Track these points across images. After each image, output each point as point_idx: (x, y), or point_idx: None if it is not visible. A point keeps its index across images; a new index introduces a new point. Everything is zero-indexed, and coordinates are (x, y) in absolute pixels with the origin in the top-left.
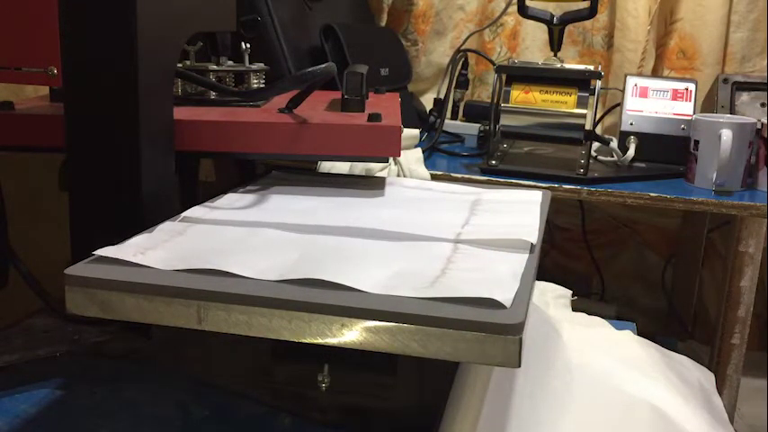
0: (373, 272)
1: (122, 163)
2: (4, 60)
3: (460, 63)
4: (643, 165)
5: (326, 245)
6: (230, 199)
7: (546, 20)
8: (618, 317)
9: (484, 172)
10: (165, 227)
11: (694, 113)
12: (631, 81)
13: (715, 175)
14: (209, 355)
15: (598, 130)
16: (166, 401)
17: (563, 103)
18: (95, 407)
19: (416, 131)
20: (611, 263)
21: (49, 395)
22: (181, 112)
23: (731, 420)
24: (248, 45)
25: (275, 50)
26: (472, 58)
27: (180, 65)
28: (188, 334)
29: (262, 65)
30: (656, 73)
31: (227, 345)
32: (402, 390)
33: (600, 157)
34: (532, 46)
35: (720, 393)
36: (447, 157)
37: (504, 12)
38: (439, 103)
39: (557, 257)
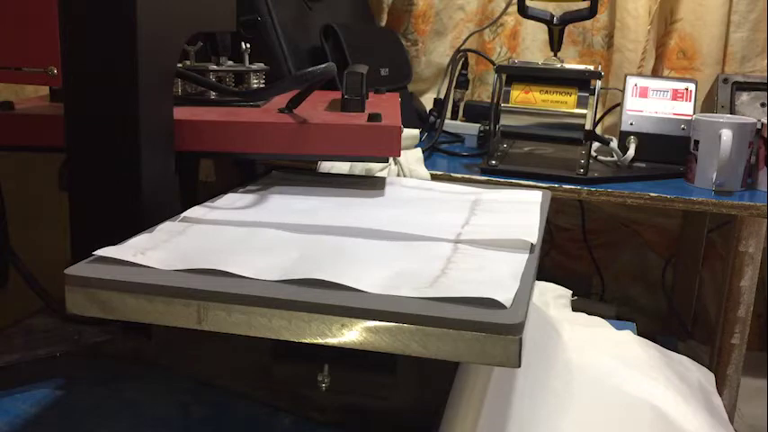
0: (373, 272)
1: (122, 163)
2: (4, 60)
3: (460, 63)
4: (643, 165)
5: (326, 245)
6: (230, 199)
7: (546, 20)
8: (618, 317)
9: (484, 172)
10: (165, 227)
11: (694, 113)
12: (631, 81)
13: (715, 175)
14: (210, 355)
15: (598, 130)
16: (166, 401)
17: (563, 103)
18: (95, 407)
19: (416, 131)
20: (611, 263)
21: (49, 395)
22: (181, 112)
23: (731, 420)
24: (248, 45)
25: (275, 50)
26: (472, 58)
27: (180, 65)
28: (188, 334)
29: (262, 65)
30: (656, 73)
31: (227, 345)
32: (402, 390)
33: (600, 157)
34: (532, 46)
35: (720, 393)
36: (447, 157)
37: (504, 12)
38: (439, 103)
39: (557, 257)
